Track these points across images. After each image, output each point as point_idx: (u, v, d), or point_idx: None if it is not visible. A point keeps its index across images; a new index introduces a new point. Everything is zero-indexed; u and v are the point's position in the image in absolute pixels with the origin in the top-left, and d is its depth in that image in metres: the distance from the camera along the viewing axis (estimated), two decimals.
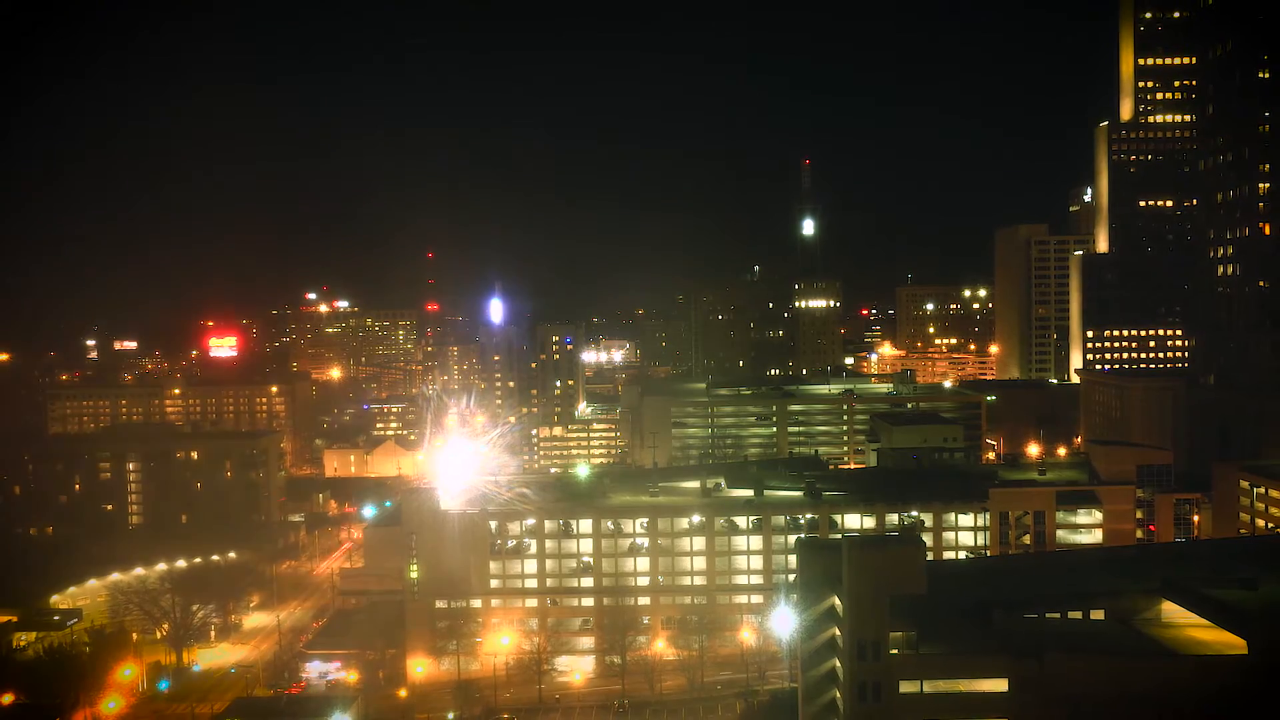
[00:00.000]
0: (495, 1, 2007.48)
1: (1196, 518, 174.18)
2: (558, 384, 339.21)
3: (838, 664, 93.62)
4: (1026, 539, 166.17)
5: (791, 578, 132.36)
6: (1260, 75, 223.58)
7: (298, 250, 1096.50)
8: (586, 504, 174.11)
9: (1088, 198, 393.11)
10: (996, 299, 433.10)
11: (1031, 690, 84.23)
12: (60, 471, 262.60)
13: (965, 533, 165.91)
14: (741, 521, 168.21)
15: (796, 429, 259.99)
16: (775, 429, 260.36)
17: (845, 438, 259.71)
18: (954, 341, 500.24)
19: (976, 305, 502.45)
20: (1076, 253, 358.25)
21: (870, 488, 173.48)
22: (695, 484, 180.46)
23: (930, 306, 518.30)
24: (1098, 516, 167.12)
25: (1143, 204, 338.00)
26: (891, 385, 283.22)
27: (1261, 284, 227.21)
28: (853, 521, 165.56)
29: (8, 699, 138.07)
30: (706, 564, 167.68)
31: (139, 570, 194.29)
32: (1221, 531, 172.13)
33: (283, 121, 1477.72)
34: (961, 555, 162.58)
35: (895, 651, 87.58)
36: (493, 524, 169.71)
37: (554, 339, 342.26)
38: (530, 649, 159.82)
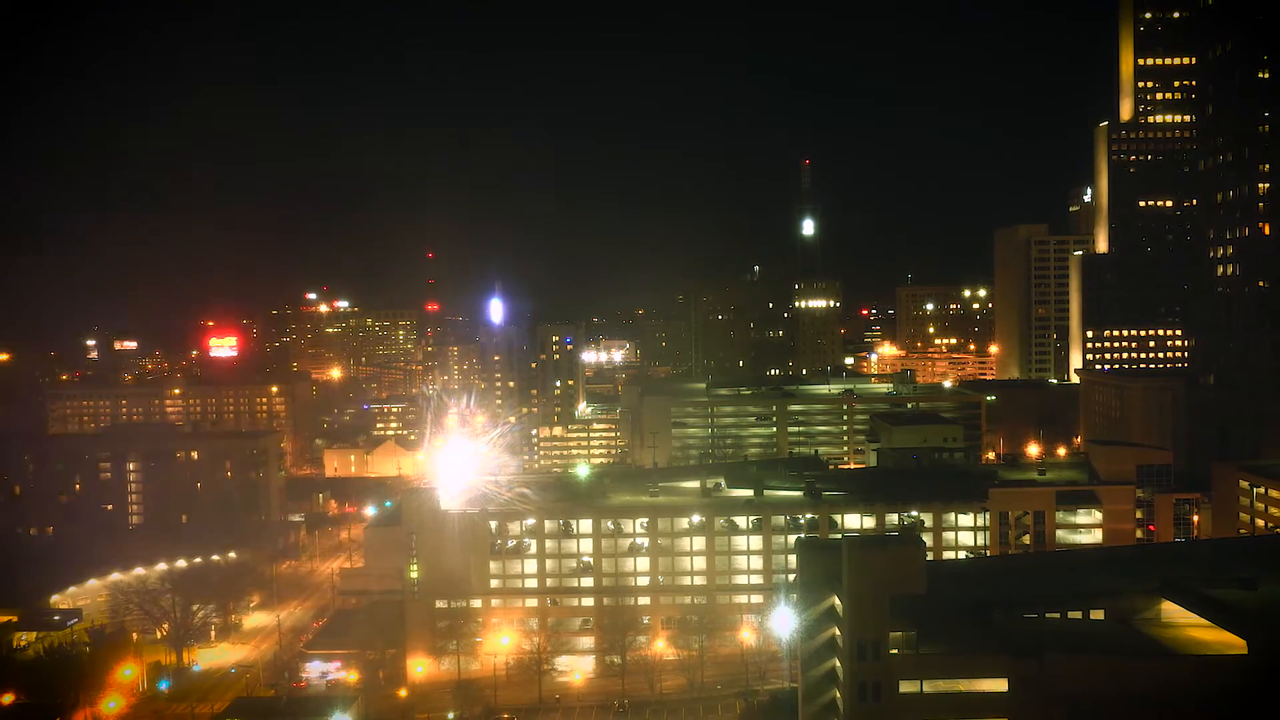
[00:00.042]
0: (495, 1, 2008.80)
1: (1196, 518, 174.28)
2: (558, 384, 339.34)
3: (838, 664, 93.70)
4: (1026, 539, 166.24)
5: (791, 578, 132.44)
6: (1260, 75, 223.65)
7: (298, 250, 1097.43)
8: (586, 504, 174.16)
9: (1088, 198, 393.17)
10: (996, 299, 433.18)
11: (1031, 690, 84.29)
12: (60, 471, 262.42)
13: (965, 533, 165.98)
14: (741, 521, 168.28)
15: (796, 429, 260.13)
16: (775, 429, 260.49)
17: (845, 438, 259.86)
18: (954, 341, 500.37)
19: (976, 305, 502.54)
20: (1076, 253, 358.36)
21: (870, 488, 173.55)
22: (695, 484, 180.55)
23: (930, 306, 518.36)
24: (1097, 516, 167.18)
25: (1143, 204, 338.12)
26: (891, 385, 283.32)
27: (1261, 284, 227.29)
28: (853, 521, 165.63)
29: (8, 699, 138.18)
30: (706, 564, 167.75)
31: (139, 570, 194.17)
32: (1221, 531, 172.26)
33: (283, 121, 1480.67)
34: (961, 555, 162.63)
35: (895, 651, 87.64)
36: (493, 524, 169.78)
37: (554, 339, 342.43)
38: (530, 649, 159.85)
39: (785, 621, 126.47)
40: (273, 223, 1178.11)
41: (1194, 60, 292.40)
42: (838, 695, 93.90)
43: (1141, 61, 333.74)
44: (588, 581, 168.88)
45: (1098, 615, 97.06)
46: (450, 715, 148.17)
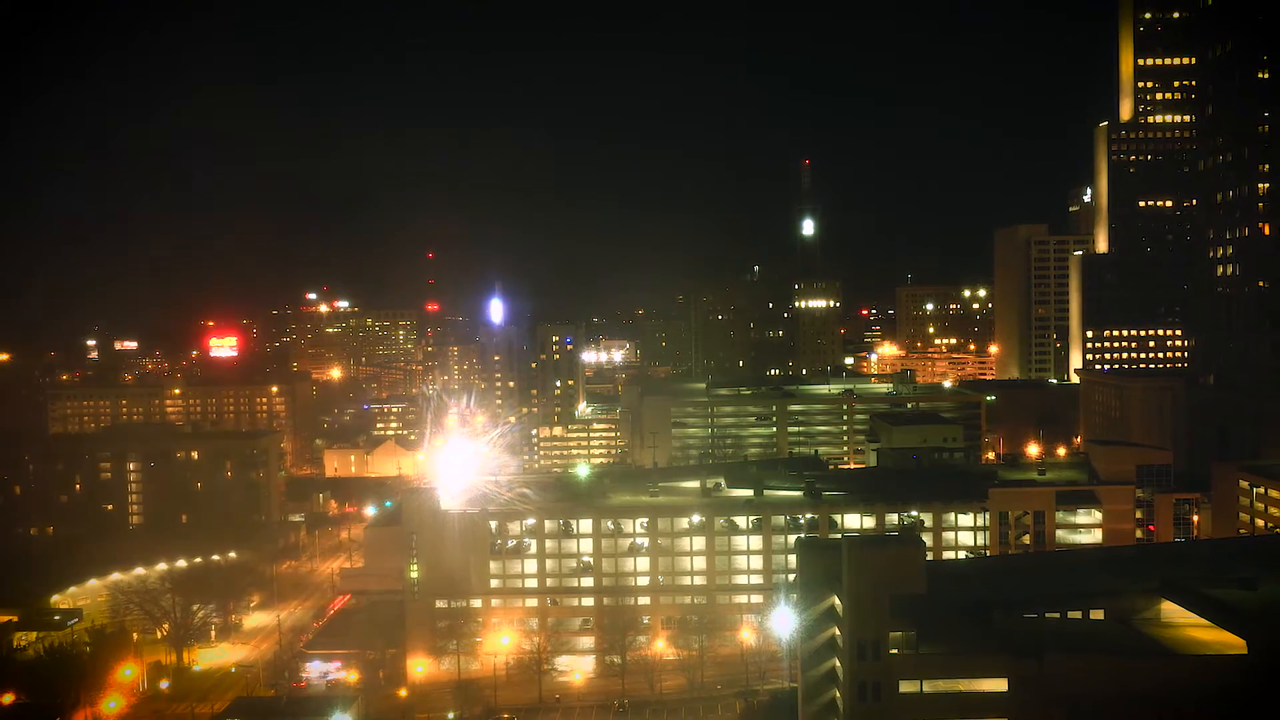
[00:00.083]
0: (495, 1, 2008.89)
1: (1196, 518, 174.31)
2: (558, 384, 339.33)
3: (838, 664, 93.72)
4: (1026, 539, 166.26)
5: (791, 578, 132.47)
6: (1260, 75, 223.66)
7: (298, 250, 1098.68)
8: (586, 504, 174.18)
9: (1087, 198, 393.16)
10: (996, 299, 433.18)
11: (1031, 690, 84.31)
12: (61, 471, 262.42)
13: (965, 533, 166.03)
14: (741, 521, 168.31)
15: (796, 429, 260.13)
16: (775, 429, 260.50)
17: (845, 438, 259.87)
18: (954, 341, 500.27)
19: (976, 305, 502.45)
20: (1076, 253, 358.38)
21: (870, 488, 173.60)
22: (695, 484, 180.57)
23: (930, 306, 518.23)
24: (1097, 516, 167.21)
25: (1142, 204, 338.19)
26: (891, 385, 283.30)
27: (1261, 284, 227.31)
28: (853, 521, 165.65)
29: (8, 699, 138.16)
30: (706, 564, 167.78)
31: (139, 570, 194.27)
32: (1221, 531, 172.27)
33: (283, 121, 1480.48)
34: (961, 555, 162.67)
35: (895, 651, 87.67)
36: (493, 524, 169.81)
37: (554, 339, 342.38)
38: (530, 649, 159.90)
39: (785, 621, 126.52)
40: (273, 223, 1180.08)
41: (1194, 60, 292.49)
42: (838, 695, 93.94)
43: (1141, 61, 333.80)
44: (588, 581, 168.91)
45: (1098, 615, 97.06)
46: (450, 715, 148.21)
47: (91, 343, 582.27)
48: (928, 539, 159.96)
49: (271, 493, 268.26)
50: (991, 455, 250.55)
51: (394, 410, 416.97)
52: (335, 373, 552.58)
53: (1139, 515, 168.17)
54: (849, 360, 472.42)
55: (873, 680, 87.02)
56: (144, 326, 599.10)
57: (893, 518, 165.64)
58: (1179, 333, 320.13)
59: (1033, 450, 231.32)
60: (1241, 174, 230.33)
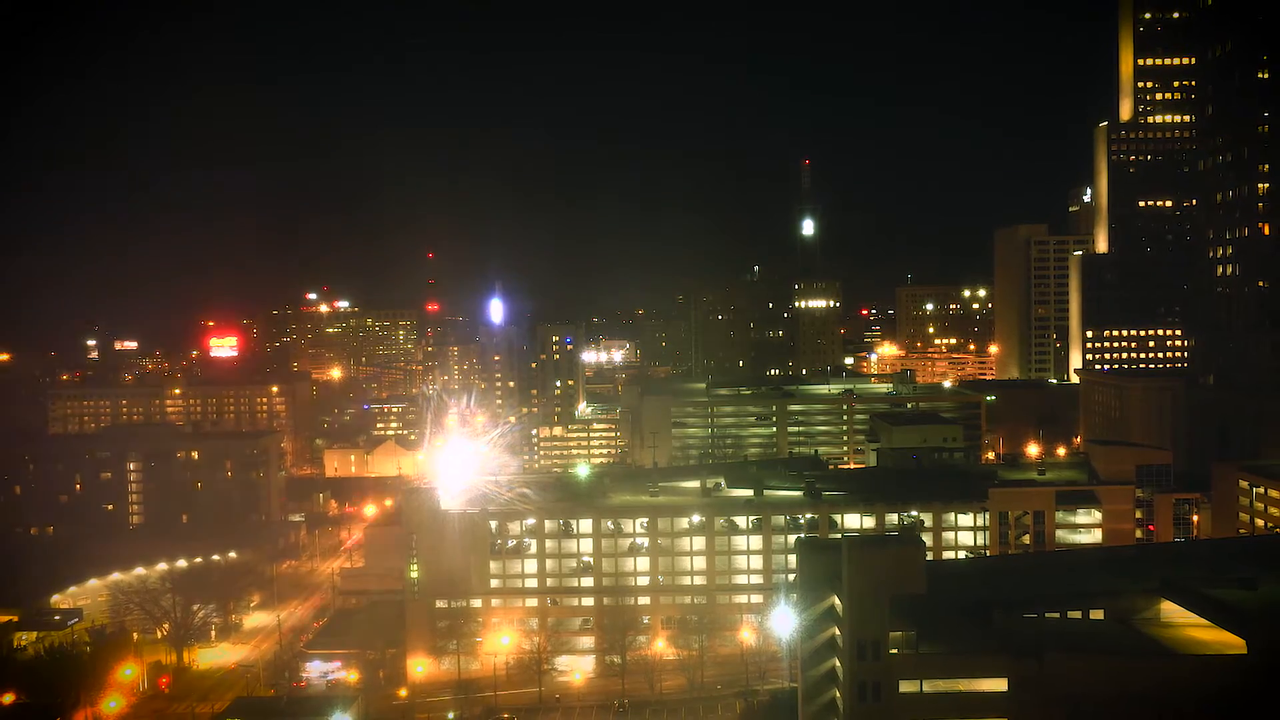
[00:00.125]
0: (495, 1, 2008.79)
1: (1196, 518, 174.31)
2: (558, 384, 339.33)
3: (838, 664, 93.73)
4: (1026, 539, 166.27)
5: (791, 578, 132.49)
6: (1260, 75, 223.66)
7: (298, 250, 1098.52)
8: (586, 504, 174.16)
9: (1087, 198, 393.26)
10: (996, 299, 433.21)
11: (1031, 690, 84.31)
12: (61, 471, 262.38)
13: (965, 533, 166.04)
14: (741, 521, 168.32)
15: (796, 429, 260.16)
16: (775, 429, 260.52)
17: (845, 438, 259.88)
18: (954, 341, 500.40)
19: (976, 305, 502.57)
20: (1076, 253, 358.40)
21: (870, 488, 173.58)
22: (695, 484, 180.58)
23: (930, 306, 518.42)
24: (1097, 516, 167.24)
25: (1142, 204, 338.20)
26: (891, 385, 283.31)
27: (1261, 284, 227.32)
28: (853, 521, 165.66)
29: (8, 699, 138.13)
30: (706, 564, 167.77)
31: (139, 570, 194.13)
32: (1221, 531, 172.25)
33: (283, 121, 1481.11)
34: (961, 555, 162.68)
35: (895, 651, 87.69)
36: (493, 524, 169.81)
37: (554, 339, 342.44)
38: (530, 649, 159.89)
39: (785, 621, 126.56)
40: (273, 223, 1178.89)
41: (1194, 60, 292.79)
42: (838, 695, 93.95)
43: (1141, 61, 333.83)
44: (588, 581, 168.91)
45: (1098, 615, 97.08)
46: (450, 715, 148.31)
47: (91, 343, 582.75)
48: (928, 539, 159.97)
49: (271, 493, 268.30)
50: (991, 455, 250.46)
51: (394, 410, 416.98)
52: (335, 373, 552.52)
53: (1139, 515, 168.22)
54: (849, 360, 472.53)
55: (873, 680, 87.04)
56: (144, 326, 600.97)
57: (893, 518, 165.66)
58: (1179, 333, 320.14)
59: (1033, 450, 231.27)
60: (1241, 174, 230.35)
